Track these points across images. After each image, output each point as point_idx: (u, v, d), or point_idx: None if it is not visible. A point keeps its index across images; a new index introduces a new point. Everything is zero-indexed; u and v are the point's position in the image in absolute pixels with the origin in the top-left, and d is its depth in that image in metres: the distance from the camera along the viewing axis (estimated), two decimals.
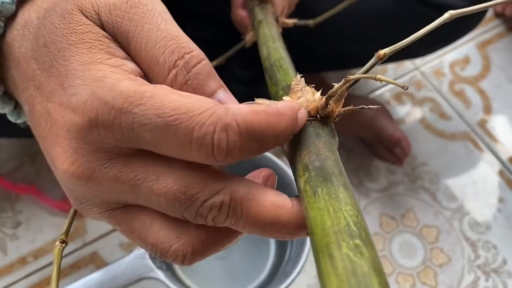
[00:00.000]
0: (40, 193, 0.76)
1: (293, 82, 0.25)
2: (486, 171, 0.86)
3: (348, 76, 0.22)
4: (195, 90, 0.20)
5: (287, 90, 0.26)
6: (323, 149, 0.21)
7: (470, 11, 0.21)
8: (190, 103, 0.18)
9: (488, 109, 0.93)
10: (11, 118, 0.25)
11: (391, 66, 0.96)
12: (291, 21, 0.49)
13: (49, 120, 0.19)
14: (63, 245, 0.23)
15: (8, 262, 0.71)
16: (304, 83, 0.25)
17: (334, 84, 0.22)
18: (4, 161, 0.79)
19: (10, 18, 0.22)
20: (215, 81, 0.20)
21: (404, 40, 0.22)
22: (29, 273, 0.70)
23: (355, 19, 0.64)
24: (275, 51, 0.33)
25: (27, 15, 0.22)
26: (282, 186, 0.64)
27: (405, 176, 0.84)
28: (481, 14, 0.66)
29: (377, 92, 0.93)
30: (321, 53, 0.71)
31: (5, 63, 0.22)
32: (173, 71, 0.20)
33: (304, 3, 0.57)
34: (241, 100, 0.21)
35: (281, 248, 0.66)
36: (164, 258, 0.21)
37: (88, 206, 0.21)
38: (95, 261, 0.71)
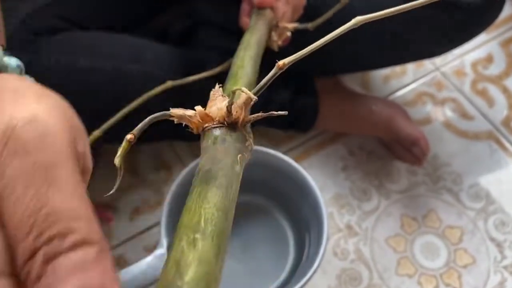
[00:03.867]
0: None
1: (211, 92, 0.26)
2: (511, 170, 0.84)
3: (242, 88, 0.23)
4: None
5: (232, 98, 0.27)
6: (220, 154, 0.22)
7: (376, 17, 0.22)
8: None
9: None
10: None
11: (410, 67, 0.95)
12: (291, 25, 0.50)
13: None
14: None
15: None
16: (220, 93, 0.26)
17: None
18: None
19: None
20: None
21: (303, 50, 0.23)
22: None
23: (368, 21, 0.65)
24: (240, 60, 0.34)
25: None
26: (295, 187, 0.64)
27: (426, 176, 0.83)
28: (496, 11, 0.66)
29: (398, 93, 0.93)
30: (336, 57, 0.72)
31: None
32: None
33: (313, 7, 0.58)
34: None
35: (300, 248, 0.66)
36: None
37: None
38: (121, 264, 0.74)
